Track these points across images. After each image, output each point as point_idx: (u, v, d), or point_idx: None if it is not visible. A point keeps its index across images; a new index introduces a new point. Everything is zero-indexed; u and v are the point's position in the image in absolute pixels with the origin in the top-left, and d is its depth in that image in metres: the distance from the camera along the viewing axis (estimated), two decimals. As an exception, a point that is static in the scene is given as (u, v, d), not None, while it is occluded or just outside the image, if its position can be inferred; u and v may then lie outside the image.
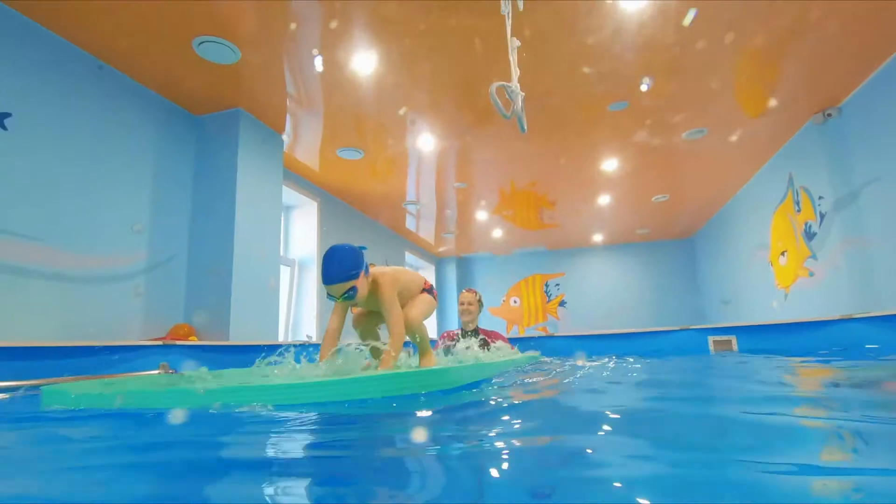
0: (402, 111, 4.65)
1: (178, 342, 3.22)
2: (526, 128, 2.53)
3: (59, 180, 3.38)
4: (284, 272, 6.44)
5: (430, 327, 11.18)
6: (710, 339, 4.50)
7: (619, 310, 10.80)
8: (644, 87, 4.58)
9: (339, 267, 1.91)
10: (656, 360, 3.49)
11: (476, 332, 3.96)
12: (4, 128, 3.04)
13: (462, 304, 3.97)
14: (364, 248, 2.02)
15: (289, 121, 4.87)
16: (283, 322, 6.26)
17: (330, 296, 1.94)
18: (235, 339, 4.08)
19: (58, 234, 3.33)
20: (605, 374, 2.42)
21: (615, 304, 10.87)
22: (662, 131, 5.27)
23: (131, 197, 3.92)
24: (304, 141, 5.31)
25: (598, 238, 10.56)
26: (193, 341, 3.75)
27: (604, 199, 7.79)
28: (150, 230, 4.05)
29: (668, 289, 10.58)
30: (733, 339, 4.38)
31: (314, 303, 6.45)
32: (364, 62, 3.93)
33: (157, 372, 3.09)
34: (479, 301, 4.03)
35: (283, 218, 6.67)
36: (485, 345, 3.69)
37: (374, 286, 2.07)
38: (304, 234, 6.68)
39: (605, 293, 11.07)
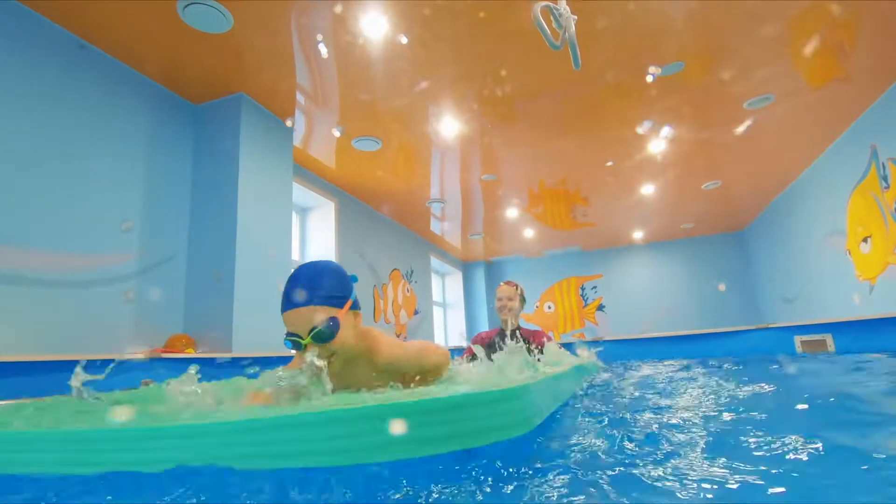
0: (421, 85, 4.11)
1: (165, 355, 2.72)
2: (580, 62, 1.93)
3: (33, 172, 2.95)
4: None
5: (457, 341, 10.55)
6: (798, 338, 3.75)
7: (663, 312, 9.95)
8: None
9: (314, 283, 1.25)
10: (761, 367, 2.81)
11: (517, 332, 3.23)
12: (-38, 108, 2.63)
13: (500, 299, 3.26)
14: (355, 277, 1.42)
15: (298, 106, 4.39)
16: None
17: (290, 337, 1.23)
18: (239, 351, 3.58)
19: (30, 232, 2.89)
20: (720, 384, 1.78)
21: (659, 307, 10.03)
22: (721, 100, 4.57)
23: (119, 191, 3.48)
24: (315, 131, 4.83)
25: (637, 235, 9.79)
26: (190, 354, 3.25)
27: (646, 190, 7.07)
28: (143, 228, 3.60)
29: (717, 288, 9.68)
30: (828, 337, 3.62)
31: (333, 311, 5.93)
32: (376, 32, 3.41)
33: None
34: (521, 296, 3.29)
35: (298, 220, 6.23)
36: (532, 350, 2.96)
37: (368, 343, 1.37)
38: (321, 237, 6.20)
39: (647, 295, 10.24)
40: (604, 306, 10.60)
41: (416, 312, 8.28)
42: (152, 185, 3.72)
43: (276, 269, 4.29)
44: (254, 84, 4.00)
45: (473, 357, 3.20)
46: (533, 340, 3.15)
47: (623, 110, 4.71)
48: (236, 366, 3.27)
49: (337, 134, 4.95)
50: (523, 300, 3.33)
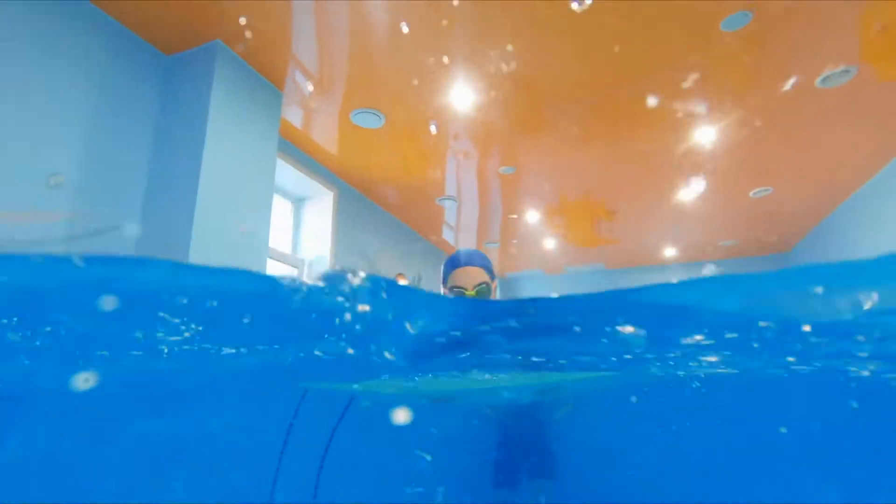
0: (430, 59, 3.45)
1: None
2: None
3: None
4: (291, 274, 5.29)
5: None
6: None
7: (697, 340, 8.95)
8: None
9: (482, 256, 1.81)
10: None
11: None
12: None
13: None
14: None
15: (290, 67, 3.78)
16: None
17: (455, 291, 1.74)
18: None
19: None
20: None
21: (692, 334, 9.03)
22: (789, 74, 3.81)
23: (51, 140, 2.86)
24: (311, 100, 4.21)
25: (669, 254, 8.90)
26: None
27: (683, 197, 6.26)
28: (83, 189, 2.97)
29: (759, 316, 8.66)
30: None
31: (324, 313, 5.21)
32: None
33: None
34: None
35: (292, 210, 5.60)
36: None
37: None
38: (316, 230, 5.54)
39: (678, 320, 9.26)
40: (629, 331, 9.65)
41: (421, 325, 7.51)
42: (102, 139, 3.11)
43: (251, 259, 3.62)
44: (232, 28, 3.40)
45: None
46: None
47: (662, 97, 3.98)
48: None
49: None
50: None
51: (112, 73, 3.22)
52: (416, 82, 3.92)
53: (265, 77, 3.87)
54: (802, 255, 8.13)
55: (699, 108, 4.28)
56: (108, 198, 3.13)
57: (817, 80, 3.87)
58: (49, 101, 2.86)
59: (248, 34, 3.43)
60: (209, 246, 3.22)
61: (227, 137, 3.48)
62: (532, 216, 7.01)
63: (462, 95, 4.04)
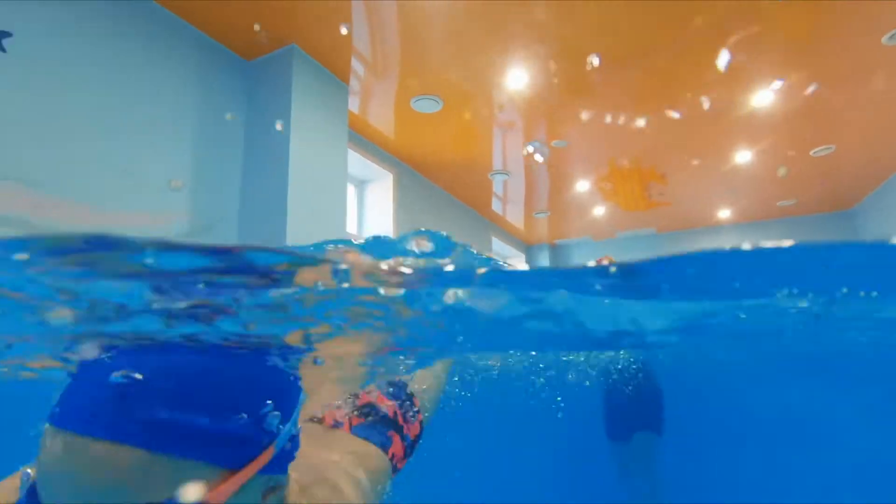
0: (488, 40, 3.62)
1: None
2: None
3: (76, 119, 2.81)
4: (358, 253, 5.72)
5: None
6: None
7: (753, 301, 8.88)
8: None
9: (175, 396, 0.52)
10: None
11: None
12: (3, 49, 2.48)
13: None
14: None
15: (354, 62, 4.06)
16: (356, 308, 5.52)
17: None
18: (289, 319, 3.31)
19: (72, 183, 2.74)
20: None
21: (748, 295, 8.96)
22: (853, 31, 3.74)
23: (169, 147, 3.30)
24: (373, 91, 4.49)
25: (724, 215, 8.77)
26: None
27: (740, 158, 6.18)
28: (194, 190, 3.41)
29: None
30: None
31: (391, 287, 5.63)
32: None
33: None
34: None
35: (355, 193, 5.99)
36: None
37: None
38: (379, 210, 5.91)
39: (733, 282, 9.18)
40: (682, 294, 9.66)
41: (476, 294, 7.87)
42: (203, 143, 3.53)
43: (331, 237, 4.01)
44: (304, 31, 3.70)
45: None
46: None
47: (720, 57, 3.99)
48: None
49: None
50: None
51: (205, 80, 3.60)
52: (471, 64, 4.11)
53: (333, 73, 4.17)
54: (866, 213, 7.85)
55: (759, 68, 4.25)
56: (213, 195, 3.57)
57: (884, 38, 3.79)
58: (159, 112, 3.28)
59: (317, 35, 3.72)
60: (301, 234, 3.63)
61: (307, 133, 3.84)
62: (582, 185, 7.11)
63: (514, 73, 4.20)
